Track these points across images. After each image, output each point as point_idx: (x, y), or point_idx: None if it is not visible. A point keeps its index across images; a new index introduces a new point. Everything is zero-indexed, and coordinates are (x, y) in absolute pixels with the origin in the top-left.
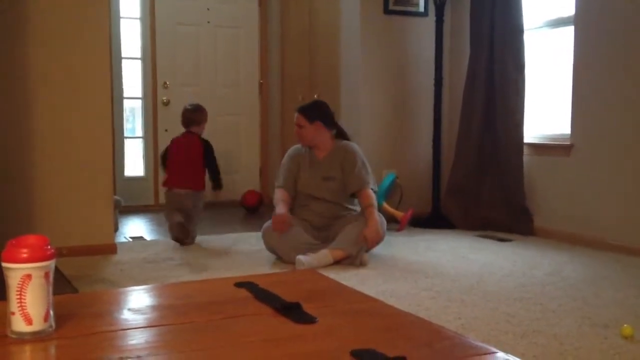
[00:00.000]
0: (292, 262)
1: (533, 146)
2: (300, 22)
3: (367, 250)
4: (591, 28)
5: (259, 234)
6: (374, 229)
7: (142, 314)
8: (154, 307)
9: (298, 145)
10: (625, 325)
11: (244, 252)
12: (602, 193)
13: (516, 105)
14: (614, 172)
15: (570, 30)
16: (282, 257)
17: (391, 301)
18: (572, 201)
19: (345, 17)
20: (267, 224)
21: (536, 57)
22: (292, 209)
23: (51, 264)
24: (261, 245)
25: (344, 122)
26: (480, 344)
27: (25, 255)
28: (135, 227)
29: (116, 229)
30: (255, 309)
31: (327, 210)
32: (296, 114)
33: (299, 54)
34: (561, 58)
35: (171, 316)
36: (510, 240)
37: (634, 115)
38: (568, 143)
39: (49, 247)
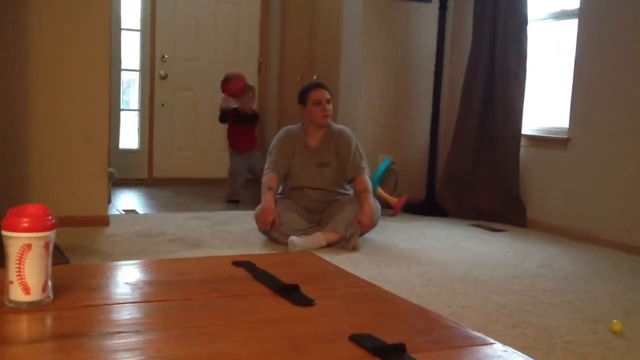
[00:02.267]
0: (286, 244)
1: (530, 138)
2: (302, 1)
3: (361, 235)
4: (595, 22)
5: (252, 212)
6: (369, 214)
7: (140, 288)
8: (151, 282)
9: (291, 127)
10: (614, 320)
11: (237, 230)
12: (597, 188)
13: (516, 96)
14: (609, 168)
15: (574, 24)
16: (275, 240)
17: (383, 286)
18: (566, 195)
19: (348, 0)
20: (260, 207)
21: (538, 48)
22: (284, 192)
23: (52, 234)
24: (253, 224)
25: (342, 104)
26: (478, 335)
27: (26, 225)
28: (128, 200)
29: (109, 201)
30: (253, 289)
31: (322, 195)
32: (321, 90)
33: (299, 33)
34: (563, 51)
35: (169, 292)
36: (503, 231)
37: (632, 112)
38: (565, 137)
39: (50, 217)
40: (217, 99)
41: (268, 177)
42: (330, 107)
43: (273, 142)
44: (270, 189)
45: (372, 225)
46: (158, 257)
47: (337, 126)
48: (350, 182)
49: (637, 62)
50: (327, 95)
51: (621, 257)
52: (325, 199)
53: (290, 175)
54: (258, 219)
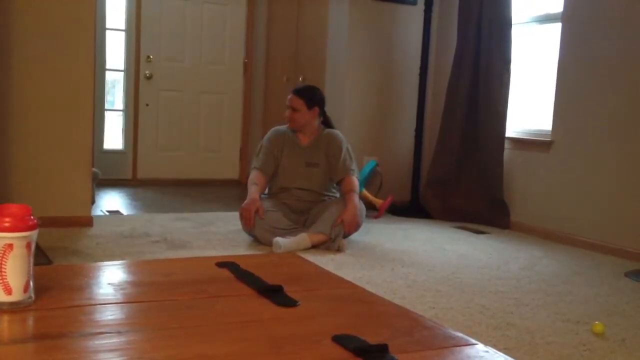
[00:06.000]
0: (270, 245)
1: (514, 140)
2: (288, 2)
3: (345, 237)
4: (578, 25)
5: (237, 214)
6: (352, 213)
7: (122, 289)
8: (134, 283)
9: (281, 128)
10: (596, 322)
11: (221, 231)
12: (579, 191)
13: (500, 99)
14: (592, 171)
15: (557, 27)
16: (259, 240)
17: (367, 288)
18: (549, 197)
19: (334, 1)
20: (244, 202)
21: (522, 51)
22: (270, 192)
23: (33, 234)
24: (238, 225)
25: (328, 106)
26: (460, 335)
27: (7, 225)
28: (112, 201)
29: (93, 201)
30: (237, 289)
31: (307, 195)
32: (292, 96)
33: (285, 34)
34: (547, 54)
35: (152, 293)
36: (487, 233)
37: (615, 116)
38: (549, 139)
39: (32, 217)
40: (202, 100)
41: (254, 175)
42: (293, 114)
43: (261, 142)
44: (255, 184)
45: (355, 224)
46: (142, 258)
47: (329, 129)
48: (338, 183)
49: (620, 66)
50: (290, 102)
51: (603, 260)
52: (312, 200)
53: (277, 176)
54: (241, 210)
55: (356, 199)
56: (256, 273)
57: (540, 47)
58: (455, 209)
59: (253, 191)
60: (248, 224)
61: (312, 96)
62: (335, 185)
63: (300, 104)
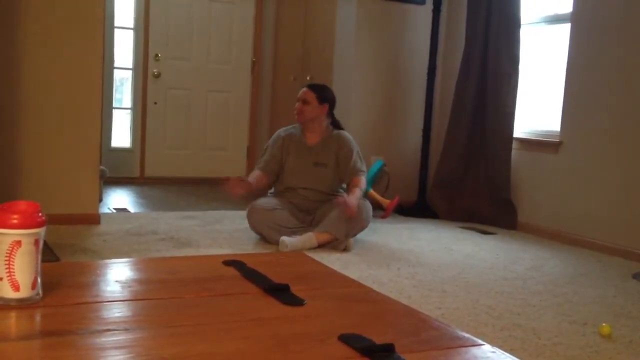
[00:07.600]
0: (277, 244)
1: (522, 141)
2: (296, 1)
3: (353, 236)
4: (587, 26)
5: (244, 212)
6: (351, 203)
7: (129, 287)
8: (141, 281)
9: (287, 128)
10: (604, 323)
11: (228, 229)
12: (588, 192)
13: (507, 99)
14: (600, 172)
15: (566, 28)
16: (266, 239)
17: (373, 287)
18: (557, 198)
19: (342, 1)
20: (253, 204)
21: (531, 52)
22: (276, 191)
23: (41, 231)
24: (245, 224)
25: (335, 105)
26: (467, 335)
27: (15, 221)
28: (119, 199)
29: (100, 199)
30: (243, 288)
31: (314, 195)
32: (305, 89)
33: (293, 34)
34: (556, 55)
35: (159, 290)
36: (493, 234)
37: (624, 117)
38: (557, 140)
39: (40, 214)
40: (209, 99)
41: (254, 174)
42: (303, 106)
43: (267, 142)
44: (254, 177)
45: (351, 207)
46: (148, 255)
47: (338, 131)
48: (347, 184)
49: (629, 67)
50: (302, 95)
51: (610, 261)
52: (318, 199)
53: (283, 175)
54: (228, 182)
55: (358, 193)
56: (262, 272)
57: (549, 48)
58: (462, 209)
59: (250, 177)
60: (234, 190)
61: (324, 92)
62: (343, 186)
63: (312, 97)
